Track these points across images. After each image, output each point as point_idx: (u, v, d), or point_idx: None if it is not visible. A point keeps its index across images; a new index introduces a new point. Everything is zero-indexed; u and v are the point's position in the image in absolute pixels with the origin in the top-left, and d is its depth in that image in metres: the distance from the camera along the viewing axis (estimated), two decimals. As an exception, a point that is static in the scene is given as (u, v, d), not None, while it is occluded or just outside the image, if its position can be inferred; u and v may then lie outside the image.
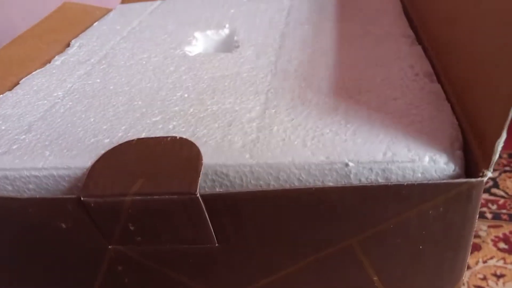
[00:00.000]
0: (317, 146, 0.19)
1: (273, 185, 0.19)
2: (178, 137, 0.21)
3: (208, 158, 0.19)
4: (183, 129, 0.22)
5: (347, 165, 0.18)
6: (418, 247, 0.19)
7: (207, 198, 0.18)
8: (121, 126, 0.23)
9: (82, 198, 0.19)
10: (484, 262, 0.51)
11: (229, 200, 0.18)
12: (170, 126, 0.22)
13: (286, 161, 0.19)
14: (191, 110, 0.23)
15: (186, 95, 0.25)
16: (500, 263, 0.51)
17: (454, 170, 0.18)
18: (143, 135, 0.22)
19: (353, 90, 0.23)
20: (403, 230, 0.18)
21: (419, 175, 0.18)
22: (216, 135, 0.21)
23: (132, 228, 0.20)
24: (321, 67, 0.25)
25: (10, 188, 0.22)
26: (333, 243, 0.19)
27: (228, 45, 0.32)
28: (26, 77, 0.30)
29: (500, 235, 0.54)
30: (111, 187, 0.19)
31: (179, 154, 0.20)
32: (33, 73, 0.31)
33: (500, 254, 0.52)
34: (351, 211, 0.18)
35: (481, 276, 0.49)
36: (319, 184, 0.19)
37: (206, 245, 0.20)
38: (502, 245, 0.53)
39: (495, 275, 0.49)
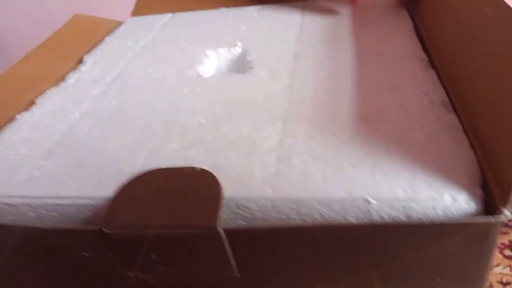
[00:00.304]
0: (337, 181, 0.19)
1: (294, 219, 0.19)
2: (198, 169, 0.21)
3: (230, 190, 0.20)
4: (203, 158, 0.22)
5: (368, 202, 0.18)
6: (436, 281, 0.19)
7: (228, 231, 0.19)
8: (140, 153, 0.23)
9: (104, 230, 0.19)
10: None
11: (250, 234, 0.19)
12: (190, 155, 0.22)
13: (308, 196, 0.19)
14: (209, 137, 0.23)
15: (203, 121, 0.25)
16: (506, 270, 0.51)
17: (473, 208, 0.18)
18: (163, 164, 0.22)
19: (370, 119, 0.23)
20: (422, 265, 0.19)
21: (440, 212, 0.18)
22: (236, 166, 0.21)
23: (154, 258, 0.20)
24: (336, 92, 0.26)
25: (32, 214, 0.22)
26: (352, 276, 0.20)
27: (241, 64, 0.32)
28: (41, 96, 0.31)
29: (506, 242, 0.55)
30: (133, 219, 0.19)
31: (200, 187, 0.20)
32: (48, 91, 0.31)
33: (506, 262, 0.52)
34: (371, 247, 0.18)
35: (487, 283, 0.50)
36: (340, 219, 0.19)
37: (226, 275, 0.21)
38: (508, 252, 0.53)
39: (501, 282, 0.50)
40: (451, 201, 0.18)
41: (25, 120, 0.28)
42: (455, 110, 0.23)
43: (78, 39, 0.38)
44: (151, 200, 0.20)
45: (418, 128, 0.22)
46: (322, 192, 0.19)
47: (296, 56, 0.30)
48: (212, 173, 0.21)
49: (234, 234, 0.19)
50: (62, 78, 0.33)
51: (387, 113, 0.23)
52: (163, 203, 0.20)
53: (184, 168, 0.21)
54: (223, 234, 0.19)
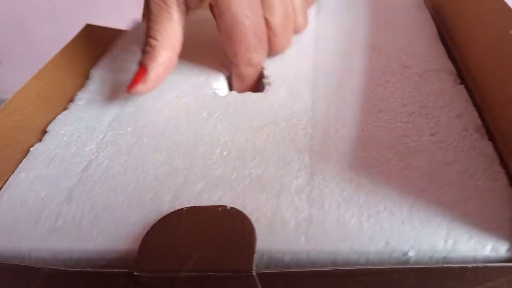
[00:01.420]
0: (374, 230, 0.19)
1: (329, 267, 0.19)
2: (228, 207, 0.20)
3: (262, 240, 0.19)
4: (230, 200, 0.21)
5: (407, 253, 0.18)
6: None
7: (262, 276, 0.18)
8: (165, 195, 0.22)
9: (135, 273, 0.19)
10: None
11: (285, 279, 0.18)
12: (216, 197, 0.22)
13: (345, 248, 0.18)
14: (235, 174, 0.23)
15: (225, 153, 0.24)
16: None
17: (516, 255, 0.17)
18: (189, 208, 0.21)
19: (402, 150, 0.22)
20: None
21: (481, 261, 0.18)
22: (266, 210, 0.21)
23: (185, 301, 0.20)
24: (361, 115, 0.24)
25: (59, 264, 0.22)
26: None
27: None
28: (52, 122, 0.30)
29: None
30: (165, 262, 0.19)
31: (232, 228, 0.19)
32: (59, 116, 0.30)
33: None
34: (411, 292, 0.18)
35: None
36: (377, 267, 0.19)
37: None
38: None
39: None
40: (493, 252, 0.17)
41: (39, 154, 0.27)
42: (488, 133, 0.22)
43: (89, 52, 0.37)
44: (183, 240, 0.19)
45: (454, 161, 0.21)
46: (360, 243, 0.18)
47: (315, 69, 0.29)
48: (242, 213, 0.20)
49: (268, 278, 0.18)
50: (71, 99, 0.32)
51: (420, 141, 0.22)
52: (195, 245, 0.19)
53: (214, 206, 0.21)
54: (257, 279, 0.18)
